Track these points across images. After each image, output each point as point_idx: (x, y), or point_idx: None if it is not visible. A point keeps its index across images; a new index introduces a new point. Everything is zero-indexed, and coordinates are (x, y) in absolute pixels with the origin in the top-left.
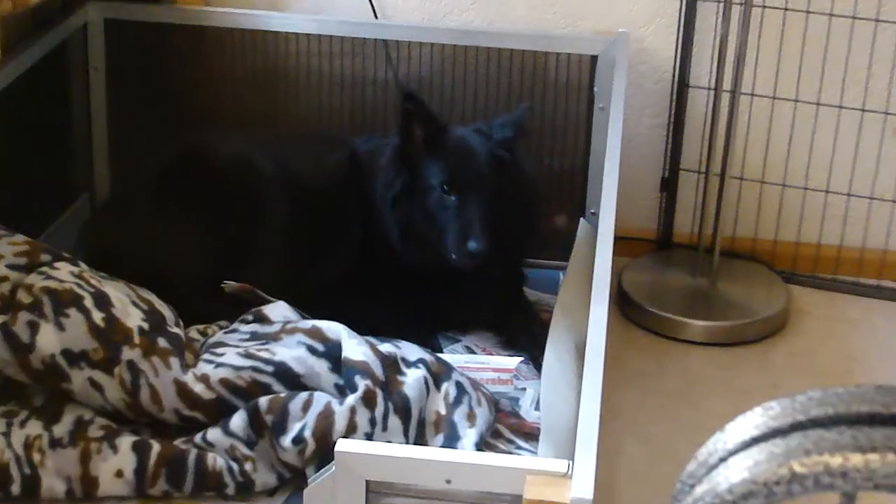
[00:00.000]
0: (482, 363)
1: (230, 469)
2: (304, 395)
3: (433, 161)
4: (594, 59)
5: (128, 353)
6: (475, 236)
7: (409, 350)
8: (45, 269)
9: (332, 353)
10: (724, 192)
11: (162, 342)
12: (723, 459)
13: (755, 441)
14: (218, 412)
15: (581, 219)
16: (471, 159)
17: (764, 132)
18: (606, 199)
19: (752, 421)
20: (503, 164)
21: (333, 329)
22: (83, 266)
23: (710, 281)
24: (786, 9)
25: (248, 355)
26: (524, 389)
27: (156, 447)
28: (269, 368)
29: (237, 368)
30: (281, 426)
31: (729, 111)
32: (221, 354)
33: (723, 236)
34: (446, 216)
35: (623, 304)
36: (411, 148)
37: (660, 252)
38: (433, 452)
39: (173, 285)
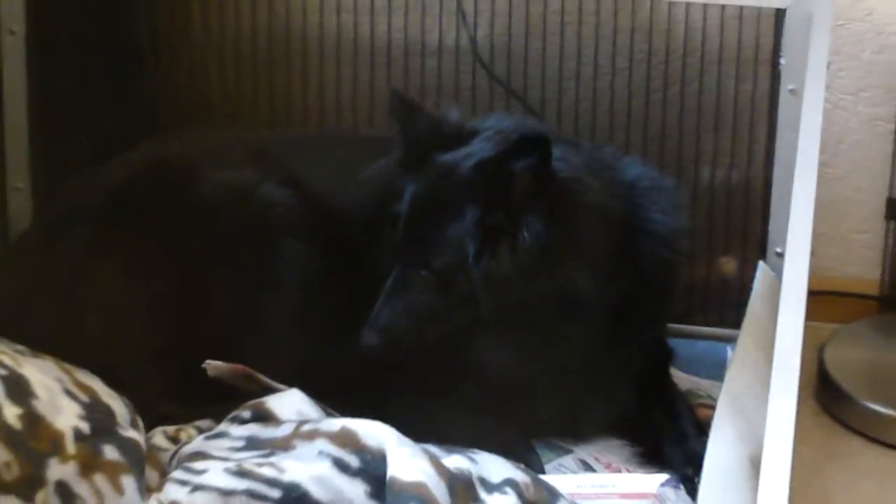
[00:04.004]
0: (605, 486)
1: None
2: None
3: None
4: (780, 14)
5: (57, 470)
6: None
7: (492, 466)
8: None
9: (371, 469)
10: None
11: (110, 452)
12: None
13: None
14: None
15: (760, 262)
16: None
17: None
18: (798, 231)
19: None
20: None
21: (374, 433)
22: None
23: None
24: None
25: (242, 473)
26: None
27: None
28: (275, 493)
29: (226, 493)
30: None
31: None
32: (202, 472)
33: None
34: None
35: (826, 395)
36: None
37: (885, 314)
38: None
39: (126, 370)
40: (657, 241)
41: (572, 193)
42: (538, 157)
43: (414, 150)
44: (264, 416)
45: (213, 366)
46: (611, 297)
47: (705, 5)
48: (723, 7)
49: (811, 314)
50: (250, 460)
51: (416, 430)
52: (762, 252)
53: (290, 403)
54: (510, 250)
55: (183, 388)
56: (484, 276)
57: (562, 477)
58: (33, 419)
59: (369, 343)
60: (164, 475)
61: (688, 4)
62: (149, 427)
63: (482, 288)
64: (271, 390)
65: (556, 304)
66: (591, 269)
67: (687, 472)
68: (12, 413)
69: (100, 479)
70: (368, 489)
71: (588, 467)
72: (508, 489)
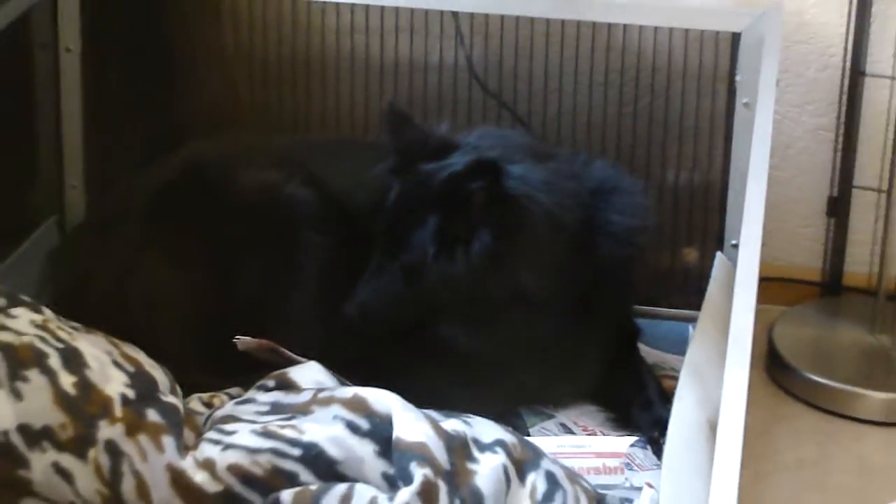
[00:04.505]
0: (582, 447)
1: None
2: (341, 487)
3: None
4: (736, 37)
5: (106, 430)
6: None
7: (484, 428)
8: None
9: (379, 431)
10: None
11: (152, 415)
12: None
13: None
14: None
15: (718, 253)
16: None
17: None
18: (751, 226)
19: None
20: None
21: (382, 399)
22: (48, 313)
23: (894, 339)
24: None
25: (267, 434)
26: (640, 488)
27: None
28: (296, 451)
29: (253, 451)
30: None
31: None
32: (232, 433)
33: None
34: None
35: (775, 368)
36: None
37: (825, 298)
38: None
39: (168, 346)
40: (613, 239)
41: (521, 210)
42: (489, 179)
43: (403, 158)
44: (287, 385)
45: (242, 341)
46: (572, 290)
47: (671, 29)
48: (686, 31)
49: (762, 298)
50: (274, 423)
51: (418, 396)
52: (720, 244)
53: (310, 374)
54: (464, 257)
55: (216, 361)
56: (440, 276)
57: (544, 438)
58: (86, 386)
59: (347, 315)
60: (199, 436)
61: (655, 28)
62: (186, 394)
63: (439, 285)
64: (293, 362)
65: (508, 301)
66: (539, 272)
67: (653, 434)
68: (68, 381)
69: (143, 439)
70: (377, 448)
71: (568, 430)
72: (498, 448)
